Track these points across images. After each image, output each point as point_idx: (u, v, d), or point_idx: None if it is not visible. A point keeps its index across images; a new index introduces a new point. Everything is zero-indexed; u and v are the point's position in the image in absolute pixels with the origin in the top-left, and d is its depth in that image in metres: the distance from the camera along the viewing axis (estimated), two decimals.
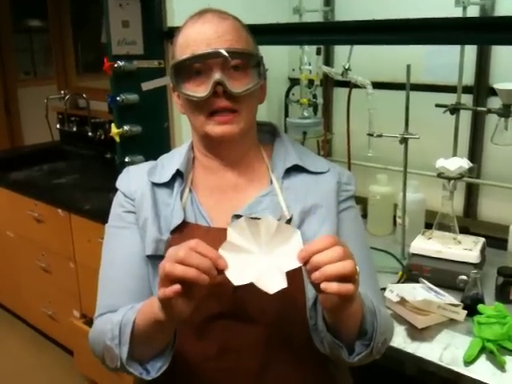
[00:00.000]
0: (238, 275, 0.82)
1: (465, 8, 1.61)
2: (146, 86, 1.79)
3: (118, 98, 1.86)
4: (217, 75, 0.98)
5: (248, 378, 0.99)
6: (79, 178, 3.09)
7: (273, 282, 0.82)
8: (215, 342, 0.98)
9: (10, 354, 3.08)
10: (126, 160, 1.92)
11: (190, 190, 1.07)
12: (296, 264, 0.82)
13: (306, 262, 0.81)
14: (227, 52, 0.98)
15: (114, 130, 1.90)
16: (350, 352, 0.92)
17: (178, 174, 1.07)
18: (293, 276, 0.98)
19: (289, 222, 1.00)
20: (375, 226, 2.06)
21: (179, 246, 0.82)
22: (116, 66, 1.84)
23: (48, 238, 2.84)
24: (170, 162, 1.10)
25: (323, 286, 0.78)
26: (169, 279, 0.79)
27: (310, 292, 0.99)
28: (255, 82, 1.03)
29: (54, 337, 3.06)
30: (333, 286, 0.78)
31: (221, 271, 0.81)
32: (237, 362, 0.98)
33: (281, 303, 0.97)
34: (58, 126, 3.65)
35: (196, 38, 1.00)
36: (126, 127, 1.90)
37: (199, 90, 1.00)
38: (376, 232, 2.05)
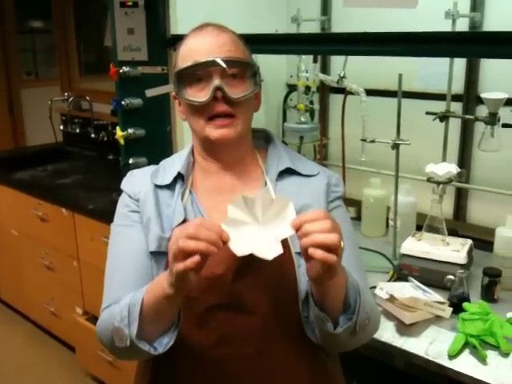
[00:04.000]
0: (239, 246, 0.90)
1: (454, 21, 1.69)
2: (150, 92, 1.85)
3: (122, 103, 1.92)
4: (216, 81, 1.06)
5: (245, 364, 1.06)
6: (83, 178, 3.13)
7: (270, 250, 0.90)
8: (214, 331, 1.06)
9: (13, 349, 3.13)
10: (130, 162, 1.97)
11: (190, 192, 1.15)
12: (290, 232, 0.91)
13: (297, 230, 0.89)
14: (226, 61, 1.07)
15: (119, 132, 1.96)
16: (335, 326, 0.99)
17: (179, 177, 1.15)
18: (286, 271, 1.06)
19: None
20: (369, 227, 2.13)
21: (185, 224, 0.90)
22: (121, 71, 1.91)
23: (52, 237, 2.89)
24: (171, 166, 1.18)
25: (310, 250, 0.86)
26: (183, 253, 0.86)
27: (303, 286, 1.06)
28: (252, 89, 1.11)
29: (56, 333, 3.11)
30: (318, 252, 0.86)
31: (224, 243, 0.89)
32: (234, 350, 1.06)
33: (275, 295, 1.06)
34: (61, 127, 3.72)
35: (198, 47, 1.09)
36: (130, 130, 1.96)
37: (200, 95, 1.08)
38: (369, 233, 2.12)
